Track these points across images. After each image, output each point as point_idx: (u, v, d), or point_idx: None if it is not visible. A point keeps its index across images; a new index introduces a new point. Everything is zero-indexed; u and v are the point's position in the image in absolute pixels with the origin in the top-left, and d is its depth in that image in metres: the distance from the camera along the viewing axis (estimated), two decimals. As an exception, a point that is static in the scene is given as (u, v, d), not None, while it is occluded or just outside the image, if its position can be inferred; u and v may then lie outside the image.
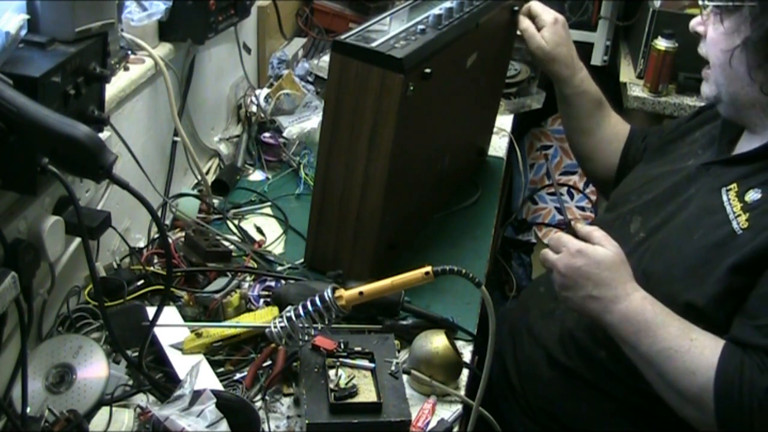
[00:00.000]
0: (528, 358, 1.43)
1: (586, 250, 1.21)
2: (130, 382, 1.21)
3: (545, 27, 1.64)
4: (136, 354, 1.20)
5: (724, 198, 1.21)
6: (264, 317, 1.30)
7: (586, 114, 1.67)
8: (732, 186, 1.22)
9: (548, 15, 1.65)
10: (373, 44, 1.30)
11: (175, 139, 1.64)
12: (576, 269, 1.21)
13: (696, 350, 1.12)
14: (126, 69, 1.41)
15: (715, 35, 1.23)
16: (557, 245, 1.25)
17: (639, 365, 1.18)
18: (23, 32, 1.02)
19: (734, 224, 1.17)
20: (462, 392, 1.26)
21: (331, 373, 1.19)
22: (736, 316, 1.14)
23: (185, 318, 1.32)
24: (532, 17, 1.66)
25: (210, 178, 1.75)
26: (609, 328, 1.20)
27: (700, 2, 1.27)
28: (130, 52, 1.45)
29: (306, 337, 1.17)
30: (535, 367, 1.41)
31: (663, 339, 1.14)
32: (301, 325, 1.14)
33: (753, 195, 1.19)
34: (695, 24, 1.29)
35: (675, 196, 1.31)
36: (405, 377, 1.24)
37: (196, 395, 1.08)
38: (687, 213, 1.26)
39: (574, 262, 1.21)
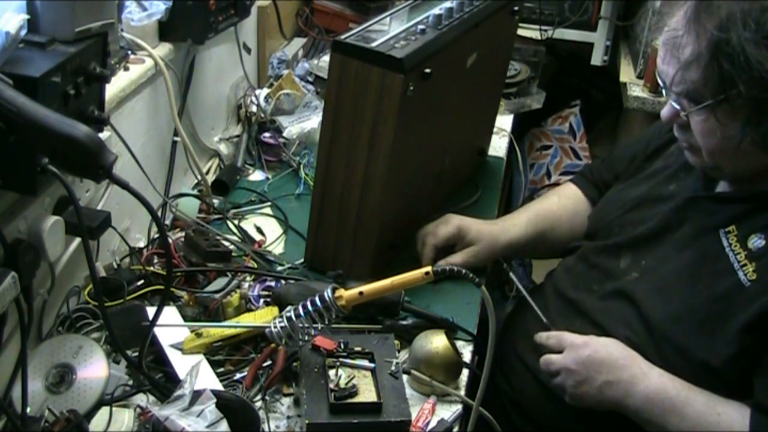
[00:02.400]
0: (522, 389, 1.39)
1: (590, 339, 1.22)
2: (130, 382, 1.21)
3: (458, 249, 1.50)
4: (136, 354, 1.20)
5: (725, 243, 1.17)
6: (264, 317, 1.30)
7: (543, 242, 1.56)
8: (730, 228, 1.18)
9: (442, 231, 1.49)
10: (373, 44, 1.30)
11: (175, 139, 1.64)
12: (587, 358, 1.20)
13: (725, 425, 1.10)
14: (126, 69, 1.41)
15: (706, 127, 1.12)
16: (559, 344, 1.25)
17: None
18: (23, 32, 1.02)
19: (740, 275, 1.13)
20: (462, 392, 1.26)
21: (331, 373, 1.19)
22: (756, 377, 1.11)
23: (185, 318, 1.32)
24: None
25: (210, 178, 1.75)
26: (633, 414, 1.18)
27: (676, 105, 1.15)
28: (130, 52, 1.45)
29: (306, 337, 1.17)
30: (531, 401, 1.37)
31: (690, 417, 1.12)
32: (301, 325, 1.14)
33: (756, 242, 1.15)
34: (671, 117, 1.17)
35: (666, 232, 1.26)
36: (405, 377, 1.24)
37: (196, 395, 1.08)
38: (686, 257, 1.21)
39: (583, 352, 1.21)
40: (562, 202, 1.60)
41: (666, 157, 1.38)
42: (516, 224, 1.55)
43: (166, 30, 1.54)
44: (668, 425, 1.14)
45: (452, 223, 1.51)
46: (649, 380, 1.16)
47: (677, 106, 1.16)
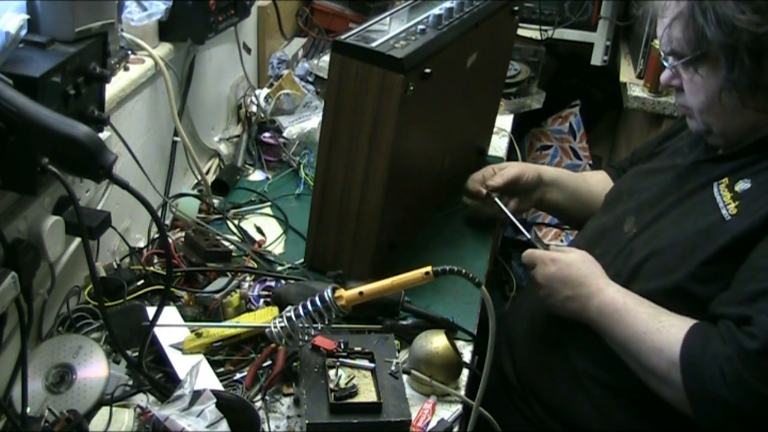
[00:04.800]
0: (525, 354, 1.44)
1: (557, 256, 1.32)
2: (130, 382, 1.21)
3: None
4: (136, 354, 1.20)
5: (715, 190, 1.25)
6: (264, 317, 1.30)
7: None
8: (723, 180, 1.25)
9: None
10: (373, 44, 1.30)
11: (175, 139, 1.64)
12: (551, 275, 1.31)
13: (664, 329, 1.17)
14: (126, 69, 1.41)
15: (693, 85, 1.24)
16: (531, 260, 1.35)
17: (621, 355, 1.24)
18: (23, 32, 1.02)
19: (723, 211, 1.21)
20: (462, 392, 1.26)
21: (331, 373, 1.19)
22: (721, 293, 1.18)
23: (185, 318, 1.32)
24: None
25: (210, 178, 1.75)
26: (591, 325, 1.27)
27: (667, 64, 1.27)
28: (130, 52, 1.45)
29: (306, 337, 1.17)
30: (533, 362, 1.41)
31: (634, 323, 1.20)
32: (301, 325, 1.14)
33: (743, 185, 1.22)
34: (668, 80, 1.29)
35: (667, 195, 1.33)
36: (405, 377, 1.24)
37: (196, 395, 1.08)
38: (680, 209, 1.29)
39: (548, 269, 1.31)
40: (594, 176, 1.72)
41: (676, 140, 1.48)
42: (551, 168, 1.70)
43: (166, 30, 1.54)
44: (616, 333, 1.23)
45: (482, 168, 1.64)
46: (603, 295, 1.25)
47: (667, 65, 1.27)
